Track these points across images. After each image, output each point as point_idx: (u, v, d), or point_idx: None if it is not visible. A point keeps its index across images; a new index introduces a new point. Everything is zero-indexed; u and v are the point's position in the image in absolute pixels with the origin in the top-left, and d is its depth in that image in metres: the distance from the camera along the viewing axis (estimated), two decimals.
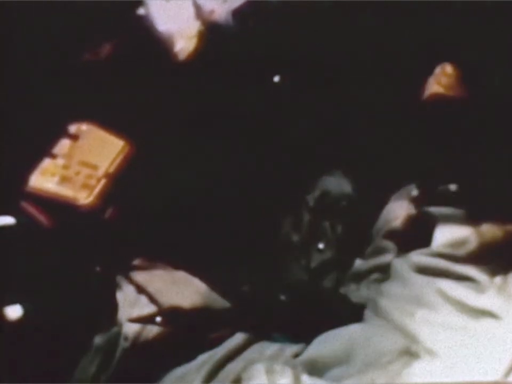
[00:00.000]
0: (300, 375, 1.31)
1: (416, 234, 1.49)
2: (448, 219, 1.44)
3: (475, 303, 1.29)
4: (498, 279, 1.31)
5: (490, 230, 1.40)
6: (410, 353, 1.27)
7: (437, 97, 1.80)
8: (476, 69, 1.80)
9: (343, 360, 1.33)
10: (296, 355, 1.39)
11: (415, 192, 1.58)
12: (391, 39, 1.88)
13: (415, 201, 1.57)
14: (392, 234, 1.57)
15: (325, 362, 1.34)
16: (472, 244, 1.39)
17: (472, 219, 1.42)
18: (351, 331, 1.38)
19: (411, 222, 1.55)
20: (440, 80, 1.80)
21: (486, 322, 1.27)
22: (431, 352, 1.26)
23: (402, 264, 1.42)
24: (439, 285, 1.33)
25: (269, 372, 1.32)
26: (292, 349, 1.41)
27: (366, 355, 1.30)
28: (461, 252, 1.37)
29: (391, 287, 1.42)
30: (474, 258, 1.36)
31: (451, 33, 1.83)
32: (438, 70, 1.82)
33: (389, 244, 1.56)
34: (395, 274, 1.43)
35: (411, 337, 1.29)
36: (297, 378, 1.31)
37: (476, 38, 1.80)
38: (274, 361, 1.36)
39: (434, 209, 1.50)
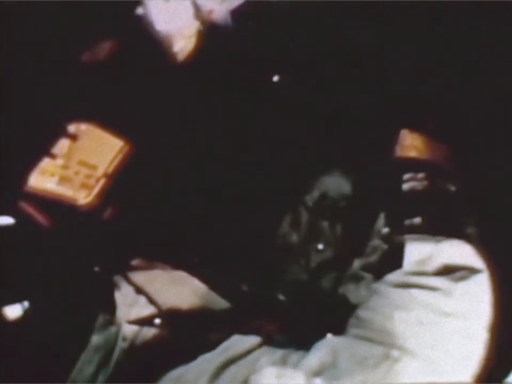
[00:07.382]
0: (312, 379, 1.38)
1: (390, 265, 1.63)
2: (414, 240, 1.61)
3: (444, 307, 1.47)
4: (461, 284, 1.49)
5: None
6: (391, 358, 1.41)
7: None
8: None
9: (329, 365, 1.42)
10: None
11: (385, 230, 1.69)
12: (390, 36, 1.88)
13: (385, 238, 1.68)
14: (368, 268, 1.66)
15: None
16: (436, 259, 1.55)
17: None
18: (331, 342, 1.49)
19: (384, 256, 1.67)
20: None
21: (456, 321, 1.45)
22: (409, 352, 1.41)
23: (380, 284, 1.57)
24: (412, 292, 1.51)
25: (279, 376, 1.36)
26: (296, 355, 1.46)
27: (351, 359, 1.43)
28: (428, 267, 1.55)
29: (371, 302, 1.55)
30: (439, 270, 1.54)
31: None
32: None
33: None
34: (375, 292, 1.56)
35: (391, 337, 1.45)
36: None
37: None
38: (283, 365, 1.42)
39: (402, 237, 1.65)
